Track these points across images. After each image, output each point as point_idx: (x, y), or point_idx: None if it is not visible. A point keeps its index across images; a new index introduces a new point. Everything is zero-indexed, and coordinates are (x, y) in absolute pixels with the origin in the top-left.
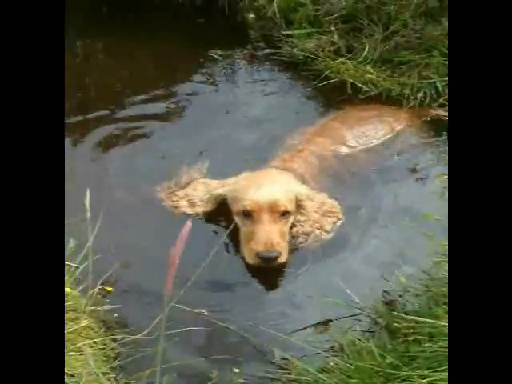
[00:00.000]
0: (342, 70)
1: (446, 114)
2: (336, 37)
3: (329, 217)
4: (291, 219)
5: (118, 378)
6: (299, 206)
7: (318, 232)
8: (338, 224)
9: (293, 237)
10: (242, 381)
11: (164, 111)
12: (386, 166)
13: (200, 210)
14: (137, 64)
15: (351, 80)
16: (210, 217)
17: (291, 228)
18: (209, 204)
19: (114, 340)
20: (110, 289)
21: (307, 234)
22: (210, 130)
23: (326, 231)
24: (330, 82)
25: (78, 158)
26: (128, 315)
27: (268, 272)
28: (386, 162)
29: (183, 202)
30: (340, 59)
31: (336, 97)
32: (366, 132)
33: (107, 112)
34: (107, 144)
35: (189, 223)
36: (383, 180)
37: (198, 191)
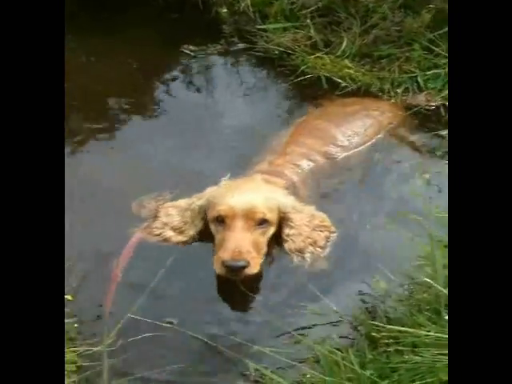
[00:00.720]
0: (319, 65)
1: (428, 101)
2: (313, 31)
3: (321, 231)
4: (270, 230)
5: None
6: (285, 218)
7: (311, 248)
8: (332, 238)
9: (287, 254)
10: None
11: (139, 112)
12: (375, 166)
13: (191, 232)
14: (111, 63)
15: (328, 75)
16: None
17: (282, 244)
18: (196, 222)
19: (75, 352)
20: (70, 297)
21: (301, 250)
22: (187, 132)
23: (320, 247)
24: (307, 78)
25: None
26: (89, 325)
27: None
28: (375, 162)
29: (169, 232)
30: (317, 54)
31: (313, 92)
32: (356, 129)
33: (82, 113)
34: (81, 147)
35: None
36: (371, 181)
37: (174, 215)
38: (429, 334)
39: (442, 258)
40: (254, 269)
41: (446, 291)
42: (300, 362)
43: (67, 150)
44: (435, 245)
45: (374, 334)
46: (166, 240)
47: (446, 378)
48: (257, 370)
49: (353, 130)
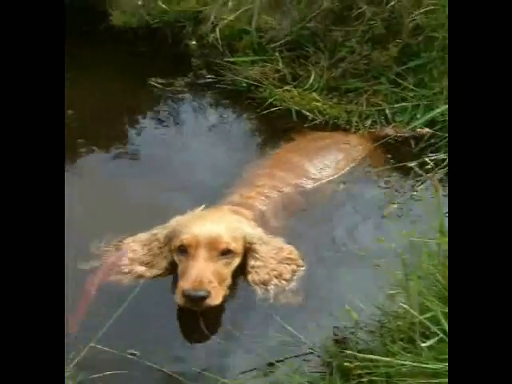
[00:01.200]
0: (288, 98)
1: (395, 132)
2: (281, 64)
3: (287, 264)
4: (235, 261)
5: None
6: (250, 249)
7: (276, 281)
8: (299, 272)
9: (250, 286)
10: None
11: (105, 148)
12: (345, 198)
13: (163, 264)
14: (78, 97)
15: (297, 108)
16: None
17: (246, 275)
18: (165, 253)
19: None
20: None
21: (264, 282)
22: (155, 168)
23: (285, 280)
24: (275, 110)
25: None
26: None
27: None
28: (345, 194)
29: (140, 268)
30: (285, 87)
31: (282, 125)
32: (328, 163)
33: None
34: None
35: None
36: (342, 212)
37: (139, 250)
38: (404, 363)
39: (415, 284)
40: (215, 300)
41: (421, 318)
42: None
43: None
44: (409, 271)
45: (346, 363)
46: (139, 276)
47: None
48: None
49: (324, 163)
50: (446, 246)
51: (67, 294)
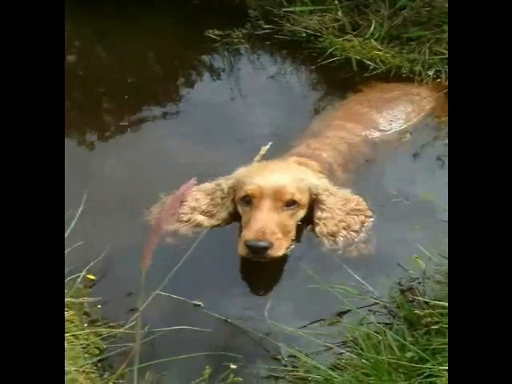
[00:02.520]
0: (348, 48)
1: None
2: (340, 13)
3: (355, 215)
4: (300, 213)
5: (101, 376)
6: (316, 200)
7: (344, 232)
8: (368, 223)
9: (317, 237)
10: (240, 379)
11: (166, 107)
12: (417, 148)
13: (223, 214)
14: (134, 54)
15: (357, 57)
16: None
17: (314, 227)
18: (227, 204)
19: (98, 335)
20: (93, 277)
21: (333, 234)
22: (215, 125)
23: (354, 231)
24: (335, 60)
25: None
26: (113, 307)
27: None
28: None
29: (199, 217)
30: (345, 36)
31: (342, 75)
32: (398, 114)
33: (106, 108)
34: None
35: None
36: (409, 163)
37: (202, 199)
38: None
39: None
40: (278, 251)
41: None
42: (337, 346)
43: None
44: None
45: (415, 312)
46: (197, 225)
47: None
48: (291, 354)
49: (394, 115)
50: None
51: None
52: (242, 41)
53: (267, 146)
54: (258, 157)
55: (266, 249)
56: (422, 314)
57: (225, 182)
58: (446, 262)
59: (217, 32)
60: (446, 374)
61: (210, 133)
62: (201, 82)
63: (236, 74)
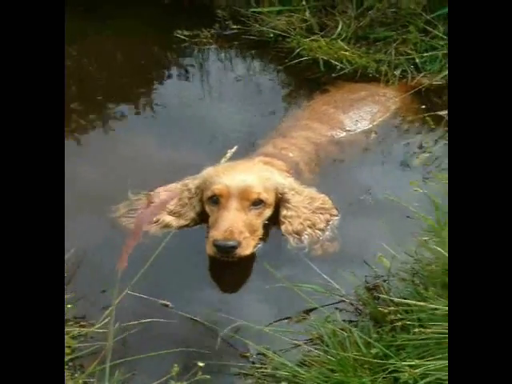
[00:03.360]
0: (315, 48)
1: (428, 81)
2: (308, 14)
3: (321, 214)
4: (267, 212)
5: (72, 375)
6: (282, 199)
7: (309, 230)
8: (333, 221)
9: (283, 235)
10: (208, 376)
11: (137, 106)
12: (382, 148)
13: (192, 214)
14: (105, 54)
15: (325, 57)
16: None
17: (280, 225)
18: (194, 203)
19: (69, 334)
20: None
21: (298, 232)
22: (186, 122)
23: (319, 229)
24: (303, 61)
25: None
26: (83, 305)
27: (233, 266)
28: (382, 144)
29: (168, 217)
30: (312, 37)
31: (309, 75)
32: (363, 114)
33: (76, 108)
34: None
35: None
36: (373, 162)
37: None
38: (436, 307)
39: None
40: (245, 250)
41: None
42: (304, 343)
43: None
44: (441, 215)
45: (380, 309)
46: (166, 225)
47: None
48: (259, 352)
49: (360, 115)
50: None
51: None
52: (211, 41)
53: (233, 150)
54: (224, 159)
55: (234, 248)
56: (386, 311)
57: (192, 182)
58: (411, 259)
59: (186, 32)
60: (408, 369)
61: (180, 132)
62: (171, 81)
63: (205, 73)
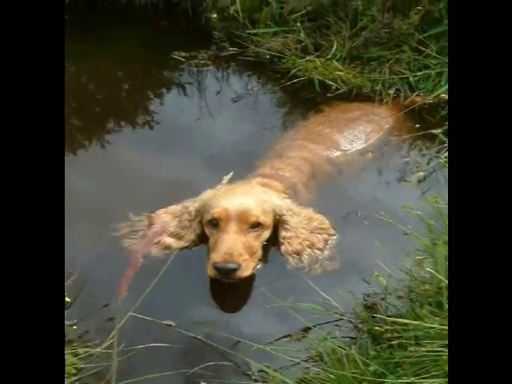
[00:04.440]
0: (310, 68)
1: (421, 100)
2: (302, 35)
3: (319, 234)
4: (265, 233)
5: None
6: (281, 221)
7: (309, 250)
8: (331, 241)
9: (283, 256)
10: None
11: (136, 125)
12: (378, 167)
13: (191, 236)
14: (103, 73)
15: (320, 77)
16: None
17: (279, 246)
18: (194, 226)
19: (75, 355)
20: (69, 299)
21: (297, 252)
22: (180, 143)
23: (318, 249)
24: (298, 81)
25: None
26: (89, 327)
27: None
28: (377, 162)
29: (168, 239)
30: (308, 57)
31: (305, 95)
32: (358, 134)
33: (76, 125)
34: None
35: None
36: (370, 181)
37: (171, 222)
38: (432, 326)
39: (442, 249)
40: (245, 271)
41: (447, 282)
42: (303, 361)
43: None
44: (435, 236)
45: (376, 327)
46: (167, 247)
47: None
48: (260, 369)
49: (355, 135)
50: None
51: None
52: (208, 62)
53: (229, 176)
54: (220, 186)
55: (234, 270)
56: (383, 329)
57: (192, 205)
58: (407, 277)
59: (183, 53)
60: None
61: (179, 151)
62: (169, 100)
63: (203, 93)
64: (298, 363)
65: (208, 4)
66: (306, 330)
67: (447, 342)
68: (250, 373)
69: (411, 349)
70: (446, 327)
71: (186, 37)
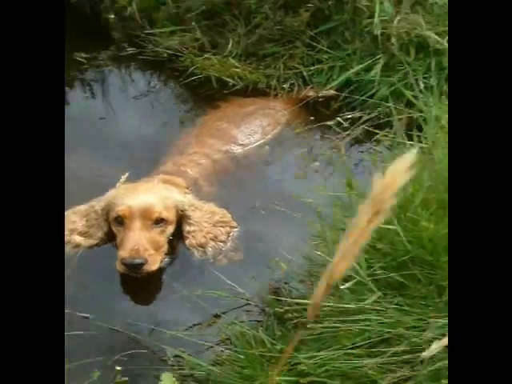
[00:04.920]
0: (208, 66)
1: (314, 93)
2: (199, 33)
3: (221, 227)
4: (169, 229)
5: None
6: (184, 216)
7: (212, 243)
8: (233, 232)
9: (188, 249)
10: (126, 378)
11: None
12: (270, 160)
13: (99, 234)
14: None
15: (217, 74)
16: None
17: (184, 240)
18: (102, 224)
19: None
20: None
21: (202, 245)
22: (85, 141)
23: (221, 241)
24: (196, 79)
25: None
26: None
27: (143, 281)
28: (269, 156)
29: (77, 238)
30: (205, 55)
31: (204, 92)
32: (255, 128)
33: None
34: None
35: None
36: (267, 174)
37: (78, 221)
38: (328, 304)
39: (332, 234)
40: (152, 266)
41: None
42: (216, 344)
43: None
44: (325, 223)
45: (279, 310)
46: (77, 245)
47: (348, 343)
48: (175, 355)
49: (251, 129)
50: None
51: None
52: (109, 62)
53: (125, 175)
54: (118, 184)
55: (141, 265)
56: (284, 310)
57: (97, 204)
58: (305, 261)
59: (84, 55)
60: (306, 361)
61: (84, 150)
62: (74, 100)
63: (106, 92)
64: (212, 347)
65: (106, 4)
66: (217, 316)
67: (344, 318)
68: (165, 358)
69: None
70: (341, 305)
71: (87, 38)
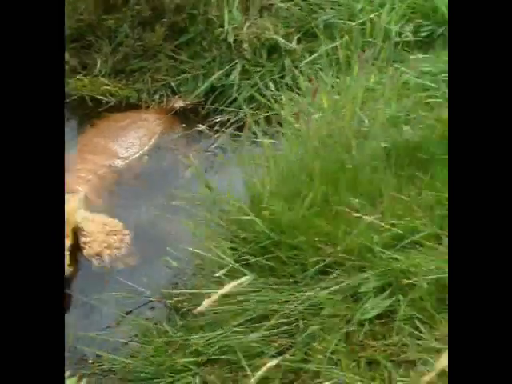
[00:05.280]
0: (80, 87)
1: (181, 103)
2: (68, 56)
3: (114, 235)
4: (66, 242)
5: None
6: (78, 229)
7: (108, 251)
8: (126, 239)
9: (87, 259)
10: None
11: None
12: (151, 170)
13: None
14: None
15: (90, 94)
16: None
17: (82, 250)
18: None
19: None
20: None
21: (98, 254)
22: None
23: (116, 248)
24: (72, 100)
25: None
26: None
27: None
28: (149, 166)
29: None
30: (77, 76)
31: (81, 112)
32: (132, 140)
33: None
34: None
35: None
36: (150, 182)
37: None
38: (210, 291)
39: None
40: None
41: (210, 256)
42: (130, 341)
43: None
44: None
45: (174, 301)
46: None
47: (234, 322)
48: (97, 355)
49: (129, 141)
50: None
51: None
52: None
53: None
54: None
55: None
56: (178, 300)
57: None
58: (195, 257)
59: None
60: (199, 342)
61: None
62: None
63: None
64: (126, 343)
65: None
66: (128, 313)
67: (229, 300)
68: (86, 358)
69: (195, 311)
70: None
71: None
